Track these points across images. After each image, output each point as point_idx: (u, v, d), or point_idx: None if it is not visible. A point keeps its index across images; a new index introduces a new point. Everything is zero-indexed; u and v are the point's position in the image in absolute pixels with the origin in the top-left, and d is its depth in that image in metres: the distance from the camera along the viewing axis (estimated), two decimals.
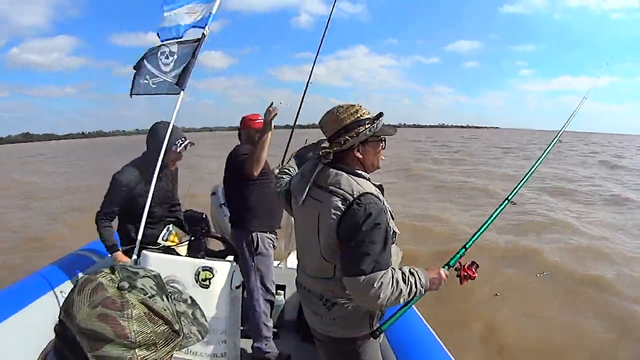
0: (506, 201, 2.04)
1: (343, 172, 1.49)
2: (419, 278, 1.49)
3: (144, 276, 0.67)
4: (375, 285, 1.35)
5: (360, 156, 1.53)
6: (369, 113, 1.52)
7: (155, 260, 2.17)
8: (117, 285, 0.63)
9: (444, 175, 15.39)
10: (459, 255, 1.84)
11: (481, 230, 1.95)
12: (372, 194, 1.45)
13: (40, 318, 2.23)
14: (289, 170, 1.96)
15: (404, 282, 1.43)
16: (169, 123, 2.36)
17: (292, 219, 1.88)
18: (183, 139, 2.46)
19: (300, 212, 1.66)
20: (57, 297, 2.44)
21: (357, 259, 1.37)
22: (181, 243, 2.19)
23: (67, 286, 2.51)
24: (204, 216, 2.18)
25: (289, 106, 2.80)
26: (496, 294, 4.97)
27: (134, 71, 2.58)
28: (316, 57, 2.79)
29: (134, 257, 2.30)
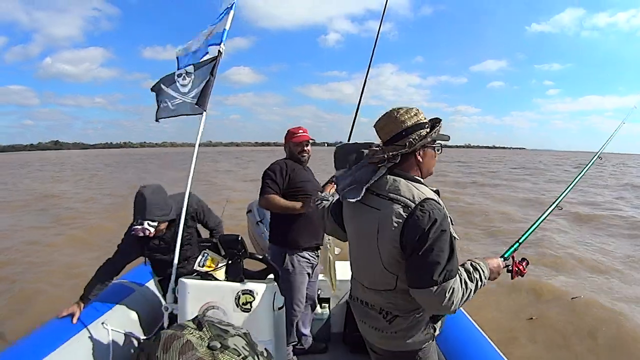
0: (554, 205, 2.18)
1: (401, 178, 1.45)
2: (483, 270, 1.47)
3: (234, 335, 0.64)
4: (447, 294, 1.31)
5: (421, 160, 1.49)
6: (425, 117, 1.50)
7: (193, 288, 2.10)
8: (207, 344, 0.59)
9: (464, 197, 14.56)
10: (513, 249, 1.86)
11: (533, 228, 2.05)
12: (433, 199, 1.39)
13: (83, 350, 2.33)
14: (327, 197, 1.96)
15: (471, 281, 1.41)
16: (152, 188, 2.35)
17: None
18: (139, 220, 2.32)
19: (354, 222, 1.57)
20: (99, 329, 2.45)
21: (428, 269, 1.31)
22: (218, 268, 2.11)
23: (108, 317, 2.54)
24: (239, 238, 2.09)
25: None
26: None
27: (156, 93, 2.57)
28: (368, 71, 2.78)
29: (171, 285, 2.26)
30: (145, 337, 2.84)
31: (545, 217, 2.14)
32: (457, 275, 1.36)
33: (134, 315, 2.78)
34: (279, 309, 2.14)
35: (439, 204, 1.39)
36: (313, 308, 2.96)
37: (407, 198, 1.39)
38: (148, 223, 2.30)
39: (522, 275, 1.73)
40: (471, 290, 1.40)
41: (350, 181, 1.54)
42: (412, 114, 1.46)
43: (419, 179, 1.49)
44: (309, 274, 2.74)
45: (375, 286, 1.51)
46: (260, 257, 2.32)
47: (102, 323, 2.50)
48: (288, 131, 2.80)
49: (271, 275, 2.32)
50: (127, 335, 2.69)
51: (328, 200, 1.88)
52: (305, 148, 2.78)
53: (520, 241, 1.98)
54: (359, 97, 2.78)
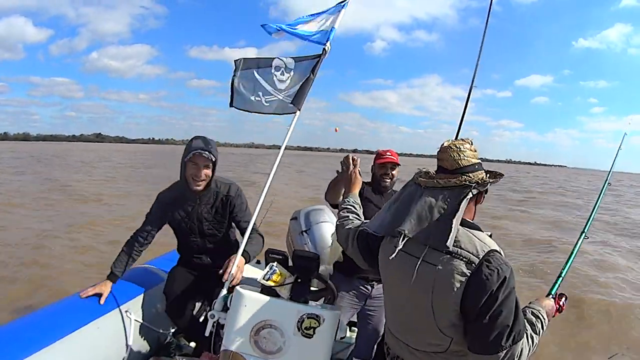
0: (583, 234, 2.23)
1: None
2: (544, 318, 1.40)
3: None
4: (515, 358, 1.20)
5: (479, 204, 1.37)
6: None
7: (251, 301, 1.91)
8: None
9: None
10: (557, 286, 1.84)
11: (570, 261, 2.07)
12: (498, 251, 1.24)
13: (103, 337, 2.24)
14: (355, 207, 1.83)
15: (536, 334, 1.33)
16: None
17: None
18: (195, 149, 2.25)
19: (400, 274, 1.35)
20: (122, 315, 2.36)
21: (496, 335, 1.18)
22: (284, 284, 1.92)
23: (132, 305, 2.46)
24: (317, 257, 1.90)
25: (338, 132, 2.88)
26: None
27: (233, 77, 2.32)
28: (473, 79, 2.60)
29: (224, 291, 2.06)
30: (166, 331, 2.68)
31: (579, 249, 2.17)
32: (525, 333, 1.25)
33: (159, 306, 2.63)
34: (341, 339, 1.95)
35: (502, 255, 1.25)
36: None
37: (469, 252, 1.22)
38: (210, 152, 2.22)
39: (561, 312, 1.68)
40: (536, 344, 1.30)
41: (394, 216, 1.34)
42: (475, 153, 1.33)
43: (477, 224, 1.32)
44: (357, 303, 2.55)
45: (423, 347, 1.34)
46: (323, 276, 2.14)
47: (126, 311, 2.40)
48: (376, 152, 2.63)
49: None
50: (149, 328, 2.53)
51: (357, 218, 1.72)
52: (390, 172, 2.57)
53: (562, 276, 1.96)
54: (462, 109, 2.74)
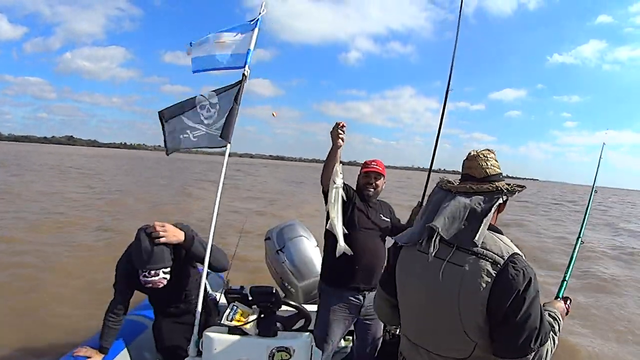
0: (579, 240, 2.32)
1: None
2: (560, 320, 1.41)
3: None
4: (543, 359, 1.22)
5: (502, 210, 1.38)
6: None
7: (221, 343, 1.89)
8: None
9: None
10: (564, 288, 1.87)
11: (572, 263, 2.12)
12: (520, 255, 1.24)
13: None
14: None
15: (555, 334, 1.33)
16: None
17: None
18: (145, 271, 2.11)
19: (422, 277, 1.32)
20: None
21: (527, 337, 1.17)
22: (249, 322, 1.88)
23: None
24: (273, 290, 1.86)
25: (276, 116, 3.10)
26: None
27: (163, 129, 2.28)
28: (448, 87, 2.64)
29: (194, 337, 2.03)
30: None
31: (578, 250, 2.24)
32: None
33: (147, 355, 2.59)
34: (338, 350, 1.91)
35: (524, 258, 1.24)
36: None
37: (494, 253, 1.21)
38: (162, 271, 2.10)
39: (567, 314, 1.66)
40: (557, 344, 1.30)
41: (426, 221, 1.34)
42: (497, 163, 1.40)
43: (500, 229, 1.33)
44: (349, 315, 2.49)
45: (446, 352, 1.30)
46: (292, 303, 2.10)
47: None
48: (364, 162, 2.59)
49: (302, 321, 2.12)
50: None
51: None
52: (372, 181, 2.53)
53: (567, 279, 1.99)
54: (439, 121, 2.68)
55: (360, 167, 2.60)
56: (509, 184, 1.32)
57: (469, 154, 1.38)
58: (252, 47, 2.14)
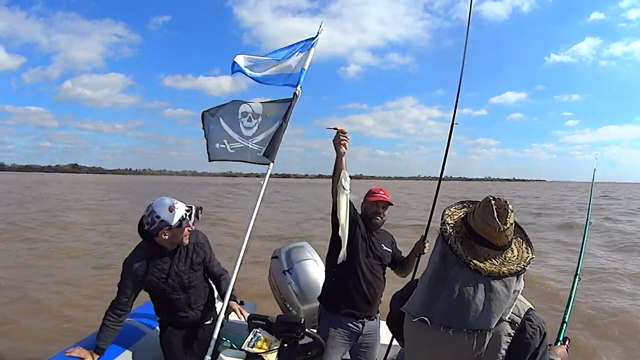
0: (577, 277, 2.30)
1: None
2: None
3: None
4: None
5: None
6: None
7: None
8: None
9: None
10: (563, 331, 1.86)
11: (571, 304, 2.11)
12: (533, 308, 1.21)
13: None
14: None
15: None
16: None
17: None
18: (187, 209, 2.09)
19: (436, 352, 1.22)
20: None
21: None
22: (270, 351, 1.79)
23: None
24: (302, 322, 1.78)
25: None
26: None
27: (204, 130, 2.24)
28: (457, 96, 2.51)
29: (208, 357, 1.92)
30: None
31: (575, 291, 2.22)
32: None
33: None
34: None
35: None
36: None
37: (512, 312, 1.17)
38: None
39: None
40: None
41: (451, 307, 1.16)
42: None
43: None
44: (347, 341, 2.45)
45: None
46: (313, 333, 2.03)
47: None
48: (369, 190, 2.57)
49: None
50: None
51: None
52: (381, 210, 2.51)
53: (566, 321, 1.97)
54: (449, 130, 2.54)
55: (364, 195, 2.57)
56: (529, 254, 1.23)
57: (493, 220, 1.16)
58: (306, 66, 2.09)
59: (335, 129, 2.12)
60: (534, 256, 1.23)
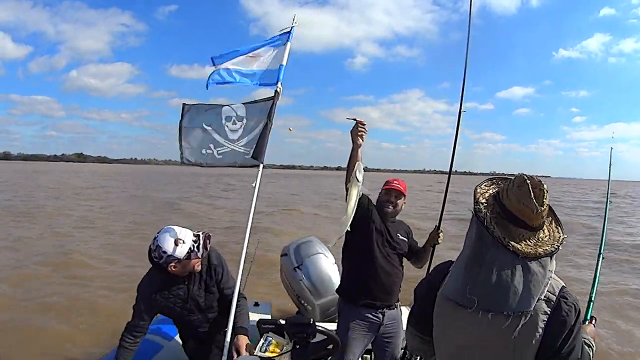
0: (600, 256, 2.33)
1: None
2: (594, 346, 1.33)
3: None
4: None
5: None
6: None
7: None
8: None
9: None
10: (591, 310, 1.87)
11: (597, 282, 2.17)
12: (565, 286, 1.18)
13: None
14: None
15: None
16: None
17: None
18: (195, 239, 2.02)
19: (469, 333, 1.19)
20: None
21: None
22: (283, 353, 1.78)
23: None
24: (311, 322, 1.75)
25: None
26: None
27: (180, 125, 2.17)
28: (462, 93, 2.54)
29: None
30: None
31: (600, 268, 2.25)
32: None
33: None
34: None
35: None
36: None
37: (547, 290, 1.14)
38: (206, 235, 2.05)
39: None
40: None
41: (490, 288, 1.13)
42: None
43: None
44: (368, 333, 2.45)
45: None
46: (325, 330, 2.00)
47: None
48: (386, 180, 2.60)
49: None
50: None
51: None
52: (393, 199, 2.50)
53: (593, 300, 1.98)
54: (456, 123, 2.56)
55: (376, 182, 2.64)
56: (561, 234, 1.21)
57: (530, 201, 1.14)
58: (284, 62, 2.04)
59: (354, 119, 2.09)
60: (566, 236, 1.21)
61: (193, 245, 1.99)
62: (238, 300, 2.12)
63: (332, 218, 13.00)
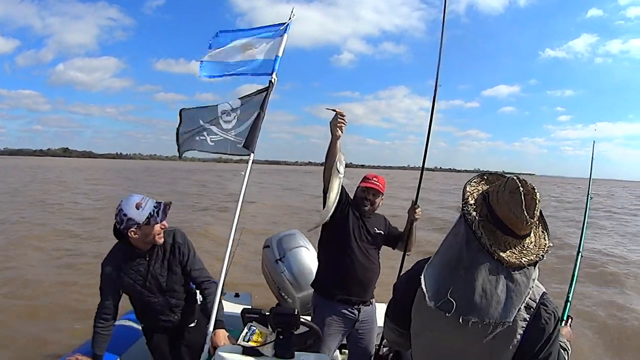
0: (579, 254, 2.30)
1: None
2: (569, 349, 1.34)
3: None
4: None
5: None
6: None
7: None
8: None
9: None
10: (567, 310, 1.86)
11: (574, 283, 2.13)
12: (546, 292, 1.17)
13: None
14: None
15: None
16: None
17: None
18: (155, 206, 2.04)
19: (449, 337, 1.20)
20: None
21: None
22: (267, 343, 1.78)
23: None
24: (295, 312, 1.77)
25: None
26: None
27: (178, 128, 2.21)
28: (435, 89, 2.49)
29: (204, 355, 1.93)
30: None
31: (578, 269, 2.20)
32: None
33: None
34: None
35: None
36: None
37: (529, 297, 1.13)
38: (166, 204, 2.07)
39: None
40: None
41: (471, 294, 1.11)
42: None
43: None
44: (344, 328, 2.46)
45: None
46: (307, 322, 2.03)
47: None
48: (364, 175, 2.53)
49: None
50: None
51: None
52: (370, 197, 2.46)
53: (570, 300, 1.98)
54: (429, 119, 2.53)
55: (360, 178, 2.53)
56: (547, 241, 1.20)
57: (521, 212, 1.11)
58: (280, 53, 2.04)
59: (334, 110, 2.08)
60: (551, 244, 1.19)
61: (153, 211, 2.00)
62: (209, 288, 2.14)
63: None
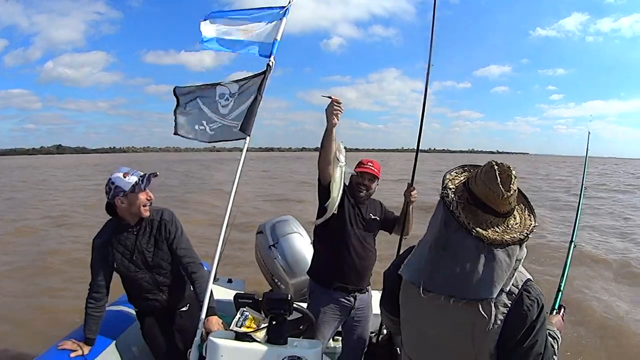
0: (572, 244, 2.32)
1: None
2: (559, 338, 1.35)
3: None
4: None
5: None
6: None
7: (227, 350, 1.76)
8: None
9: None
10: (559, 300, 1.86)
11: (566, 272, 2.13)
12: (532, 280, 1.17)
13: None
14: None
15: (556, 354, 1.27)
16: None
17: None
18: (141, 176, 2.11)
19: (430, 320, 1.23)
20: None
21: None
22: (260, 329, 1.78)
23: (107, 356, 2.26)
24: (289, 298, 1.76)
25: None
26: None
27: (175, 105, 2.21)
28: (428, 73, 2.49)
29: (197, 341, 1.92)
30: None
31: (571, 259, 2.22)
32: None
33: (134, 349, 2.48)
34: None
35: (534, 283, 1.20)
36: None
37: (512, 283, 1.15)
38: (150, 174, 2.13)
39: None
40: None
41: (451, 274, 1.14)
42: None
43: None
44: (339, 316, 2.46)
45: None
46: (300, 308, 2.02)
47: None
48: (359, 161, 2.49)
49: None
50: None
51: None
52: (365, 182, 2.43)
53: (562, 289, 1.97)
54: (422, 103, 2.53)
55: (354, 162, 2.49)
56: (532, 222, 1.21)
57: (497, 186, 1.13)
58: (279, 37, 2.01)
59: (330, 97, 2.04)
60: (537, 224, 1.20)
61: (139, 180, 2.07)
62: (197, 272, 2.18)
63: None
